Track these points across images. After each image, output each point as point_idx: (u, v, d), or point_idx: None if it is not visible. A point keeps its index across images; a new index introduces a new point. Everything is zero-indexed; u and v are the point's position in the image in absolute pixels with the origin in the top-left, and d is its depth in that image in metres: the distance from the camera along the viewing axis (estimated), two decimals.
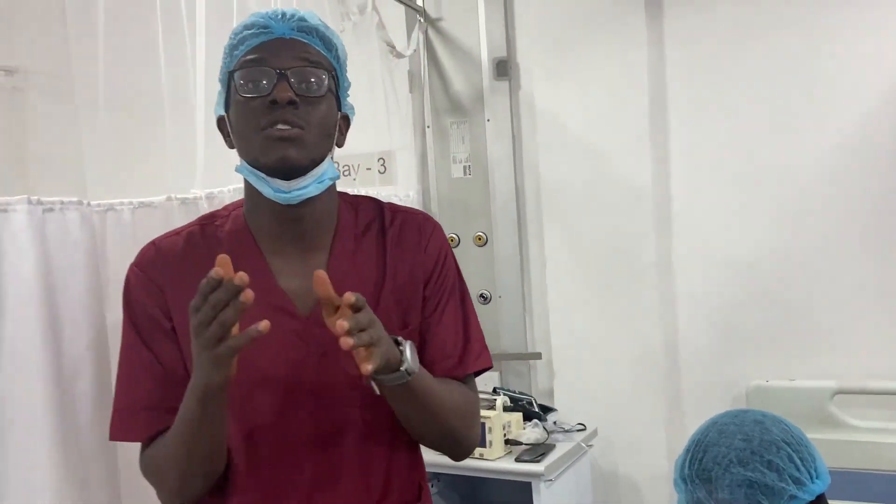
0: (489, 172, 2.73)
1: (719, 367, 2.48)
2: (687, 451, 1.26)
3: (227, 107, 1.13)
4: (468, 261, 2.76)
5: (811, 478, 1.19)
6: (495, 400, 2.35)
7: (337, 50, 1.16)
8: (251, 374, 1.08)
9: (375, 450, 1.15)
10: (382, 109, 2.51)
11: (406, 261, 1.21)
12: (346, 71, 1.20)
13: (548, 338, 2.71)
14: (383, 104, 2.51)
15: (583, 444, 2.42)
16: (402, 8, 2.71)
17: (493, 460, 2.26)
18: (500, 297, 2.74)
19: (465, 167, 2.78)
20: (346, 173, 2.74)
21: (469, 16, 2.72)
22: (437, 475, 2.46)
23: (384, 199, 2.43)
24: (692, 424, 2.29)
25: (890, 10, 2.23)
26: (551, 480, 2.21)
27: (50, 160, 2.15)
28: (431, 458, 2.33)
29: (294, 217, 1.12)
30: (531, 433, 2.35)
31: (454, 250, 2.69)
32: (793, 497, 1.19)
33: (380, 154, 2.64)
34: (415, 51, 2.71)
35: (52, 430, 1.16)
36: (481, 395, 2.48)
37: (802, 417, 1.29)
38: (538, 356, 2.71)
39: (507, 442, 2.32)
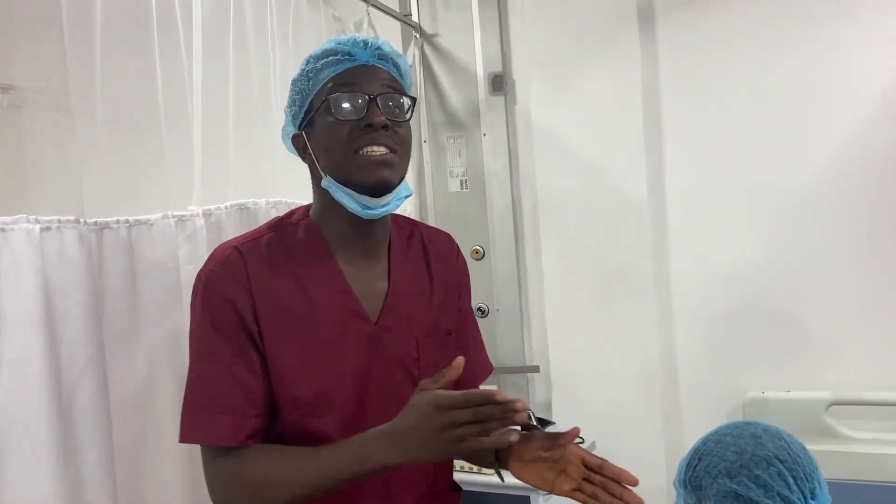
0: (486, 186, 2.75)
1: (716, 379, 2.48)
2: (687, 456, 1.29)
3: (303, 125, 1.22)
4: None
5: (804, 498, 1.19)
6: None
7: (406, 75, 1.27)
8: (331, 377, 1.17)
9: None
10: None
11: (444, 273, 1.36)
12: (410, 89, 1.29)
13: (545, 351, 2.72)
14: None
15: None
16: (398, 24, 2.73)
17: (491, 474, 2.26)
18: (497, 310, 2.74)
19: (461, 181, 2.79)
20: None
21: (464, 31, 2.74)
22: None
23: None
24: (689, 436, 2.31)
25: (882, 22, 2.26)
26: (549, 494, 2.20)
27: (47, 178, 2.16)
28: None
29: (367, 228, 1.23)
30: None
31: None
32: None
33: None
34: (410, 66, 2.72)
35: (52, 447, 1.16)
36: None
37: (798, 429, 1.29)
38: (536, 369, 2.71)
39: None
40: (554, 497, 2.22)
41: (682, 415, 2.55)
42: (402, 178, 1.22)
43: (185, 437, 1.13)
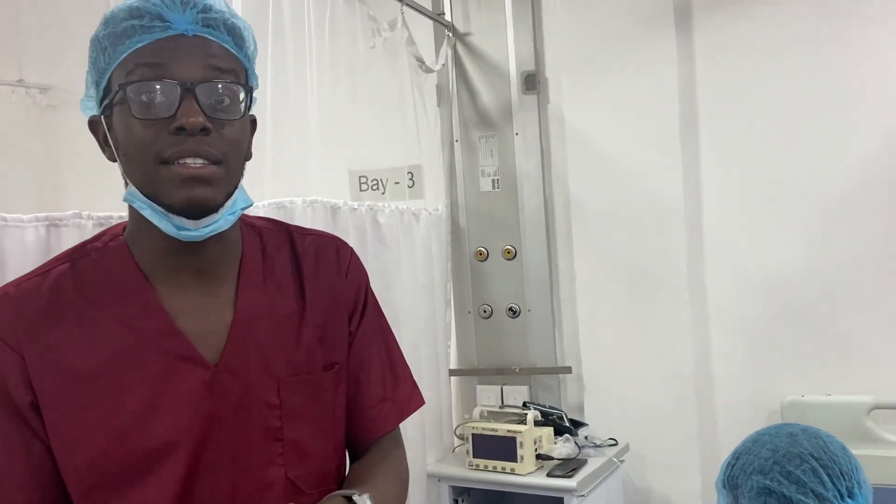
0: (518, 186, 2.74)
1: (753, 382, 2.45)
2: (727, 457, 1.29)
3: (103, 108, 0.90)
4: (497, 274, 2.76)
5: (840, 496, 1.18)
6: (526, 414, 2.34)
7: (247, 44, 0.94)
8: (152, 442, 0.89)
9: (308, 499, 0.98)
10: (412, 124, 2.53)
11: (326, 290, 1.04)
12: (255, 64, 0.97)
13: (577, 352, 2.70)
14: (412, 118, 2.53)
15: (615, 460, 2.40)
16: (430, 23, 2.73)
17: (524, 475, 2.25)
18: (529, 310, 2.73)
19: (493, 181, 2.78)
20: (376, 187, 2.76)
21: (497, 30, 2.73)
22: (466, 490, 2.44)
23: (414, 212, 2.46)
24: (726, 441, 2.28)
25: None
26: (584, 496, 2.19)
27: (90, 175, 2.18)
28: (462, 473, 2.35)
29: (195, 250, 0.92)
30: (562, 448, 2.33)
31: (483, 263, 2.75)
32: None
33: (409, 168, 2.65)
34: (443, 65, 2.72)
35: None
36: (511, 410, 2.49)
37: (838, 433, 1.27)
38: (568, 370, 2.70)
39: (539, 457, 2.31)
40: (587, 499, 2.22)
41: (718, 419, 2.52)
42: (232, 192, 0.91)
43: None
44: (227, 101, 0.89)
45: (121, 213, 1.29)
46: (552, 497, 2.21)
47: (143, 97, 0.85)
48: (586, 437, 2.46)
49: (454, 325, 2.79)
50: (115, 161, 0.91)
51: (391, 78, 2.45)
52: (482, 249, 2.78)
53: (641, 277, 2.58)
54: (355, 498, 0.91)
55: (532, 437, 2.29)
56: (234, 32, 0.91)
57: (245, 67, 0.94)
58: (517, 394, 2.68)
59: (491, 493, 2.44)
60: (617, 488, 2.47)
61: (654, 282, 2.56)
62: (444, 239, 2.71)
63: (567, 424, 2.46)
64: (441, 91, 2.82)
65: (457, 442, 2.60)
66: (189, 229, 0.88)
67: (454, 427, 2.63)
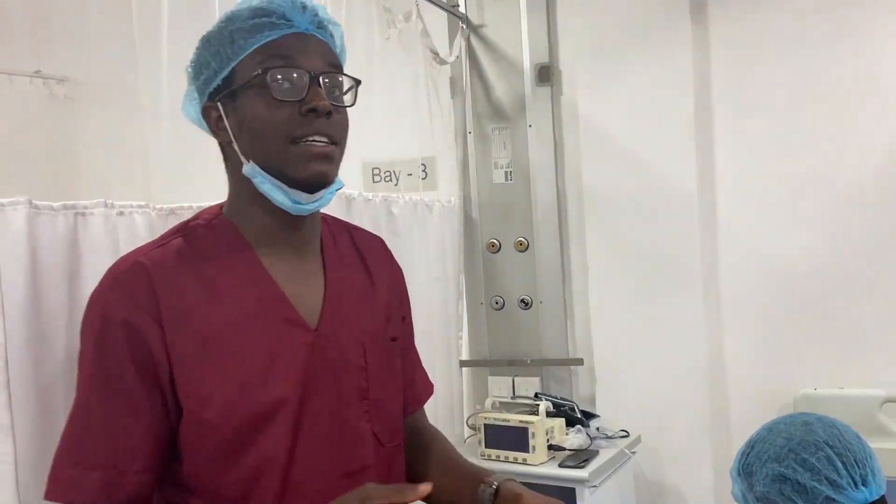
0: (531, 178, 2.74)
1: (766, 375, 2.46)
2: (742, 446, 1.30)
3: (218, 96, 1.01)
4: (509, 266, 2.77)
5: (854, 483, 1.19)
6: (538, 405, 2.36)
7: (343, 50, 1.09)
8: (269, 397, 0.98)
9: (390, 458, 1.13)
10: (426, 115, 2.53)
11: (385, 277, 1.20)
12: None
13: (589, 344, 2.71)
14: (426, 110, 2.53)
15: (626, 451, 2.41)
16: (444, 15, 2.74)
17: (536, 466, 2.26)
18: (541, 302, 2.74)
19: (506, 172, 2.79)
20: (389, 179, 2.77)
21: (511, 22, 2.73)
22: None
23: (427, 204, 2.47)
24: (738, 433, 2.29)
25: None
26: (595, 486, 2.20)
27: (107, 166, 2.21)
28: (474, 462, 2.35)
29: (297, 223, 1.05)
30: (574, 439, 2.34)
31: (495, 255, 2.76)
32: (829, 499, 1.19)
33: (422, 159, 2.66)
34: (457, 57, 2.73)
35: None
36: (523, 401, 2.50)
37: (851, 425, 1.28)
38: (580, 362, 2.71)
39: (551, 447, 2.32)
40: (599, 490, 2.23)
41: (731, 411, 2.53)
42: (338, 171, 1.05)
43: (51, 494, 0.94)
44: (338, 91, 1.03)
45: (140, 202, 1.31)
46: (564, 487, 2.22)
47: (279, 82, 0.97)
48: (598, 429, 2.47)
49: (466, 317, 2.80)
50: (228, 143, 1.02)
51: (405, 70, 2.46)
52: (495, 241, 2.79)
53: (654, 269, 2.58)
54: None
55: (544, 427, 2.30)
56: (335, 35, 1.07)
57: (342, 67, 1.08)
58: (529, 385, 2.70)
59: None
60: (628, 479, 2.48)
61: (667, 274, 2.56)
62: (456, 230, 2.72)
63: (579, 415, 2.47)
64: (455, 83, 2.83)
65: (468, 432, 2.62)
66: (302, 203, 1.00)
67: (466, 417, 2.65)
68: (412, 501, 0.91)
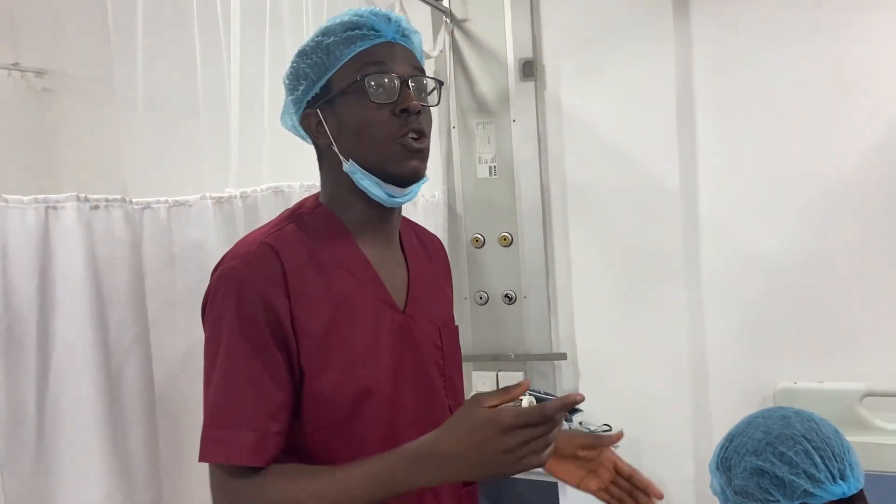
0: (515, 173, 2.74)
1: (747, 369, 2.47)
2: (721, 440, 1.31)
3: (317, 103, 1.12)
4: (493, 261, 2.76)
5: (832, 478, 1.19)
6: (521, 400, 2.35)
7: (422, 55, 1.21)
8: (374, 372, 1.10)
9: None
10: None
11: (442, 269, 1.34)
12: None
13: (573, 338, 2.71)
14: None
15: None
16: (428, 9, 2.72)
17: None
18: (525, 297, 2.74)
19: (490, 167, 2.78)
20: None
21: (495, 17, 2.73)
22: None
23: (415, 199, 2.46)
24: (719, 427, 2.30)
25: None
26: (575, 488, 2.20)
27: (85, 160, 2.19)
28: None
29: (387, 214, 1.17)
30: None
31: (479, 250, 2.76)
32: (807, 493, 1.19)
33: None
34: (441, 52, 2.72)
35: (101, 424, 1.18)
36: None
37: (831, 419, 1.29)
38: (563, 357, 2.71)
39: None
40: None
41: (712, 405, 2.54)
42: None
43: (205, 456, 1.02)
44: (424, 92, 1.14)
45: (115, 196, 1.30)
46: (547, 481, 2.22)
47: (376, 87, 1.08)
48: (581, 423, 2.47)
49: None
50: (328, 145, 1.12)
51: None
52: (479, 236, 2.79)
53: (637, 264, 2.59)
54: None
55: None
56: (415, 41, 1.17)
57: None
58: (512, 380, 2.69)
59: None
60: None
61: (650, 268, 2.57)
62: (440, 225, 2.71)
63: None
64: (439, 77, 2.81)
65: None
66: (395, 196, 1.12)
67: None
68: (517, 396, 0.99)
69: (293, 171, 1.82)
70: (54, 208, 1.15)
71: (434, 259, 1.32)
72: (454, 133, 2.81)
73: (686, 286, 2.53)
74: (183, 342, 1.42)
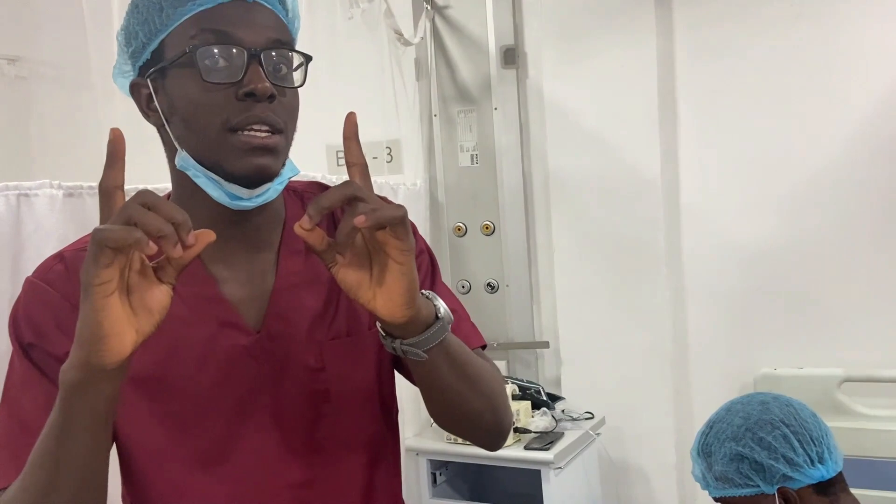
0: (497, 161, 2.73)
1: (728, 356, 2.49)
2: (702, 427, 1.32)
3: (147, 72, 0.87)
4: (475, 249, 2.76)
5: (811, 461, 1.21)
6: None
7: (295, 17, 0.94)
8: (194, 400, 0.90)
9: (350, 468, 0.98)
10: (390, 97, 2.51)
11: None
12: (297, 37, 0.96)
13: (555, 327, 2.72)
14: (391, 92, 2.51)
15: (591, 433, 2.43)
16: None
17: (501, 449, 2.26)
18: (507, 286, 2.74)
19: (472, 156, 2.77)
20: None
21: (476, 4, 2.71)
22: (444, 464, 2.46)
23: (392, 187, 2.44)
24: (700, 413, 2.31)
25: None
26: (560, 468, 2.22)
27: (61, 147, 2.15)
28: (440, 447, 2.37)
29: (242, 219, 0.91)
30: (540, 421, 2.35)
31: (461, 239, 2.75)
32: (786, 477, 1.21)
33: (387, 142, 2.63)
34: (422, 38, 2.70)
35: None
36: None
37: (810, 405, 1.30)
38: (546, 345, 2.71)
39: (516, 430, 2.33)
40: (564, 472, 2.24)
41: (693, 392, 2.56)
42: (286, 160, 0.90)
43: None
44: (286, 69, 0.88)
45: (91, 183, 1.27)
46: (529, 469, 2.23)
47: (211, 61, 0.84)
48: (563, 411, 2.48)
49: None
50: (160, 126, 0.89)
51: (369, 51, 2.43)
52: (461, 225, 2.78)
53: (620, 252, 2.59)
54: (426, 293, 0.87)
55: None
56: (284, 3, 0.91)
57: (293, 39, 0.93)
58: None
59: (469, 466, 2.46)
60: (593, 460, 2.50)
61: (633, 257, 2.57)
62: (422, 214, 2.70)
63: (544, 398, 2.48)
64: (420, 65, 2.80)
65: None
66: (242, 199, 0.87)
67: None
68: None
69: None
70: (26, 195, 1.12)
71: None
72: (436, 121, 2.80)
73: (668, 274, 2.54)
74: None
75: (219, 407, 0.91)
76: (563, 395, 2.60)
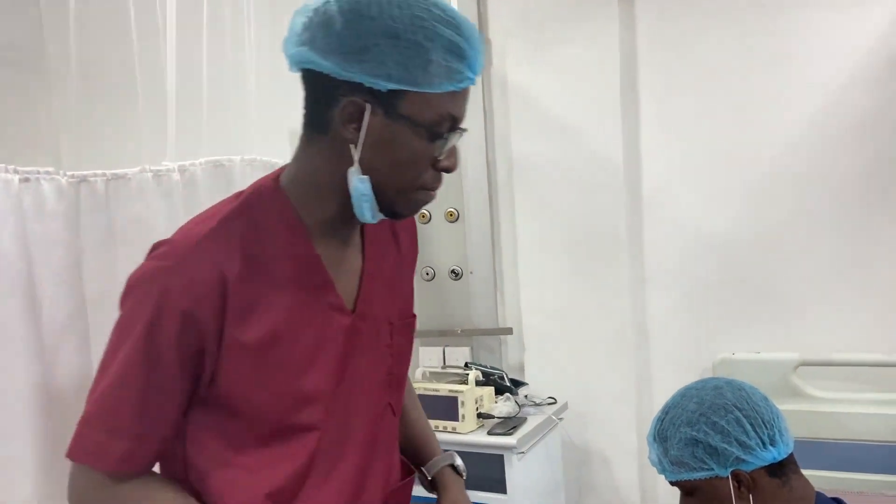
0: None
1: (688, 341, 2.53)
2: (657, 412, 1.33)
3: (377, 101, 0.94)
4: (439, 236, 2.76)
5: (763, 444, 1.23)
6: (467, 374, 2.37)
7: None
8: (307, 387, 1.03)
9: (394, 431, 1.20)
10: None
11: (408, 245, 1.24)
12: None
13: (519, 313, 2.74)
14: None
15: (554, 418, 2.46)
16: None
17: (465, 434, 2.28)
18: (471, 272, 2.75)
19: None
20: None
21: None
22: None
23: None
24: (661, 398, 2.33)
25: None
26: (523, 453, 2.24)
27: (15, 132, 2.10)
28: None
29: (356, 222, 1.06)
30: (503, 407, 2.37)
31: (425, 226, 2.74)
32: (739, 459, 1.23)
33: None
34: None
35: (35, 402, 1.14)
36: (453, 370, 2.52)
37: (766, 389, 1.33)
38: (509, 331, 2.73)
39: (480, 416, 2.34)
40: (527, 456, 2.27)
41: (654, 377, 2.60)
42: None
43: (76, 455, 0.97)
44: None
45: (47, 169, 1.25)
46: (493, 454, 2.25)
47: (445, 144, 0.98)
48: (526, 396, 2.51)
49: None
50: (347, 141, 0.96)
51: None
52: (425, 212, 2.78)
53: (582, 239, 2.62)
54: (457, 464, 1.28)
55: (473, 396, 2.32)
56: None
57: None
58: (459, 355, 2.71)
59: None
60: (556, 445, 2.53)
61: (595, 244, 2.60)
62: None
63: (508, 384, 2.50)
64: None
65: None
66: (376, 220, 1.02)
67: None
68: None
69: (237, 147, 1.79)
70: None
71: (402, 243, 1.21)
72: None
73: (629, 261, 2.57)
74: None
75: (320, 371, 1.04)
76: (526, 381, 2.62)
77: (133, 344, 0.94)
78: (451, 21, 0.94)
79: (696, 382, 1.37)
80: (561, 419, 2.52)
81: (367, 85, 0.92)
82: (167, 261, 0.96)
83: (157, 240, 1.02)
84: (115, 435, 0.95)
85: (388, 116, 0.94)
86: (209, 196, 1.60)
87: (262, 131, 2.01)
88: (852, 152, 2.31)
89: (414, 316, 1.24)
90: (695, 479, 1.28)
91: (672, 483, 1.35)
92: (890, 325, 2.29)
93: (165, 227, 1.46)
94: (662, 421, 1.35)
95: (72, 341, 1.24)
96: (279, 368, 1.00)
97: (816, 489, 1.30)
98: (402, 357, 1.20)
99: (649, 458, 1.38)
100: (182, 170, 1.54)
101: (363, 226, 1.10)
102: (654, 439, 1.35)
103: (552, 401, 2.52)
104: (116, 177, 1.36)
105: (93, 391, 0.98)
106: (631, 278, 2.58)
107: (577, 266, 2.63)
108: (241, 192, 1.05)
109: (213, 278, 0.94)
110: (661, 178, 2.55)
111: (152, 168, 1.44)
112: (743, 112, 2.43)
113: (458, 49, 0.93)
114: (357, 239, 1.11)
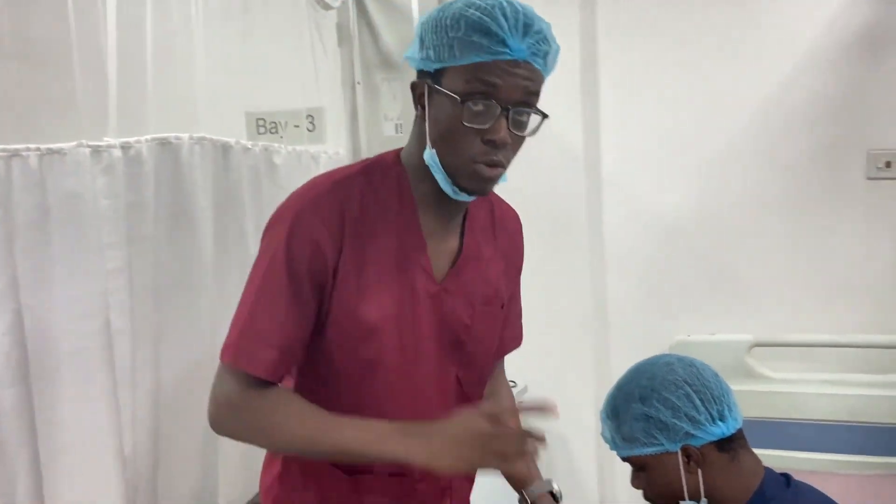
0: None
1: (646, 323, 2.54)
2: (611, 389, 1.33)
3: (429, 82, 1.10)
4: None
5: (712, 419, 1.24)
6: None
7: (552, 65, 1.17)
8: (396, 322, 1.17)
9: (463, 396, 1.28)
10: (310, 64, 2.44)
11: (508, 247, 1.36)
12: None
13: None
14: (311, 59, 2.44)
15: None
16: None
17: None
18: None
19: (396, 125, 2.74)
20: (274, 130, 2.67)
21: None
22: None
23: (313, 155, 2.39)
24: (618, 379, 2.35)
25: None
26: None
27: None
28: None
29: (452, 201, 1.18)
30: None
31: None
32: (689, 434, 1.24)
33: (308, 111, 2.57)
34: (343, 2, 2.64)
35: None
36: None
37: (721, 370, 1.34)
38: None
39: None
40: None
41: (612, 358, 2.61)
42: None
43: (232, 360, 1.11)
44: (527, 122, 1.13)
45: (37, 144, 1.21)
46: None
47: (473, 111, 1.07)
48: None
49: None
50: (421, 117, 1.14)
51: (287, 14, 2.36)
52: None
53: (542, 222, 2.58)
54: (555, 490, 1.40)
55: None
56: (549, 59, 1.13)
57: (544, 77, 1.14)
58: None
59: None
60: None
61: (555, 227, 2.60)
62: None
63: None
64: (341, 30, 2.73)
65: None
66: (460, 196, 1.15)
67: None
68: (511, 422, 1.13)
69: (186, 125, 1.74)
70: None
71: (501, 237, 1.33)
72: (359, 89, 2.75)
73: (588, 244, 2.57)
74: (61, 296, 1.34)
75: (404, 328, 1.18)
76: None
77: (272, 264, 1.11)
78: (484, 7, 1.07)
79: (649, 359, 1.38)
80: (521, 402, 2.51)
81: (424, 69, 1.12)
82: (301, 201, 1.13)
83: (93, 216, 1.13)
84: (267, 344, 1.10)
85: (437, 93, 1.09)
86: (155, 174, 1.56)
87: (218, 111, 1.97)
88: (804, 136, 2.34)
89: (502, 307, 1.32)
90: (645, 455, 1.29)
91: (623, 459, 1.35)
92: (841, 306, 2.32)
93: (107, 204, 1.42)
94: (615, 398, 1.35)
95: (3, 321, 1.20)
96: (370, 300, 1.14)
97: (768, 467, 1.31)
98: (482, 343, 1.29)
99: (602, 434, 1.38)
100: (126, 147, 1.49)
101: (466, 214, 1.25)
102: (608, 416, 1.36)
103: (513, 384, 2.51)
104: (51, 151, 1.31)
105: (241, 306, 1.13)
106: (591, 261, 2.58)
107: (538, 249, 2.58)
108: (366, 160, 1.23)
109: (336, 213, 1.12)
110: (621, 161, 2.56)
111: (90, 143, 1.40)
112: (699, 96, 2.44)
113: (483, 27, 1.05)
114: (458, 225, 1.24)
